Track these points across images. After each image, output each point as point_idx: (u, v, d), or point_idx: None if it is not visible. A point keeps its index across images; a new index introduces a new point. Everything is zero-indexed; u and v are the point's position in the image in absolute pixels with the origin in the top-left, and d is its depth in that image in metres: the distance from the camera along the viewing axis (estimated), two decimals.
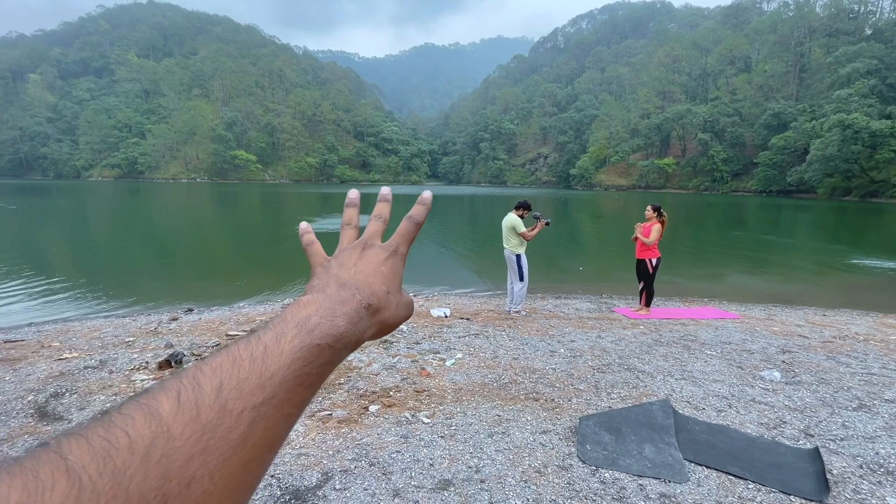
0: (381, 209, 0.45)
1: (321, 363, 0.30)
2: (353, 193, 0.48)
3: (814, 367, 4.43)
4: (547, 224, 6.34)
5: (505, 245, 6.33)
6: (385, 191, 0.46)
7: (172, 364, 4.14)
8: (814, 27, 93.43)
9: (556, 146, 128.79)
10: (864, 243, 18.54)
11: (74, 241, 15.62)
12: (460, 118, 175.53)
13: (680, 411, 3.37)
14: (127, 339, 5.10)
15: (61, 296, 7.83)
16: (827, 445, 2.97)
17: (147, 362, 4.28)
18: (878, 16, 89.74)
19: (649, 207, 6.43)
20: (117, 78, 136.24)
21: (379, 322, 0.37)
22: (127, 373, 4.04)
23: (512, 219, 6.22)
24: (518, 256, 6.21)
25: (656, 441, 2.88)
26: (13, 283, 8.54)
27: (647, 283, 6.46)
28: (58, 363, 4.29)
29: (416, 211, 0.43)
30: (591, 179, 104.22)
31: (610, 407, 3.45)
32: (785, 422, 3.29)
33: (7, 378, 3.92)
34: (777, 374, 4.14)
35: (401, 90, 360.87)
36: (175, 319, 6.11)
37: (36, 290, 8.16)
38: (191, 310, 6.79)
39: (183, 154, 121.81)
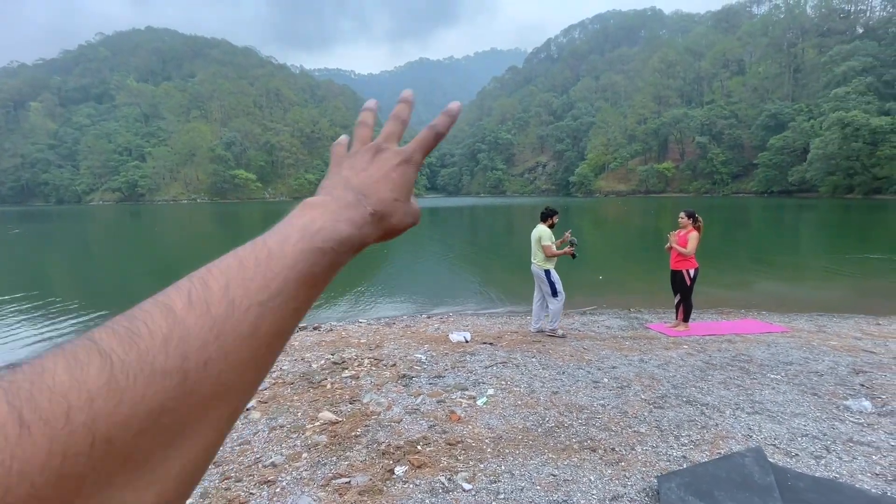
0: (401, 110, 0.43)
1: (325, 265, 0.31)
2: (372, 102, 0.47)
3: None
4: (573, 256, 5.75)
5: (532, 259, 5.77)
6: (407, 93, 0.45)
7: None
8: (806, 28, 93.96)
9: (553, 154, 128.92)
10: (877, 242, 17.93)
11: (73, 266, 15.10)
12: (457, 130, 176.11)
13: (769, 458, 2.78)
14: None
15: (60, 325, 7.26)
16: None
17: None
18: (868, 14, 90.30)
19: (683, 214, 5.90)
20: (117, 103, 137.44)
21: (384, 227, 0.37)
22: None
23: (540, 231, 5.67)
24: (547, 272, 5.63)
25: None
26: (14, 314, 7.99)
27: (684, 297, 5.89)
28: None
29: (440, 120, 0.42)
30: (590, 186, 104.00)
31: (684, 457, 2.86)
32: None
33: None
34: (867, 404, 3.55)
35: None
36: None
37: (37, 317, 7.60)
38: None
39: (183, 175, 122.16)
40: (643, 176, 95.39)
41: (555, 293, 5.62)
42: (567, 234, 5.82)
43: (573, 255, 5.75)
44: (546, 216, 5.78)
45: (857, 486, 2.54)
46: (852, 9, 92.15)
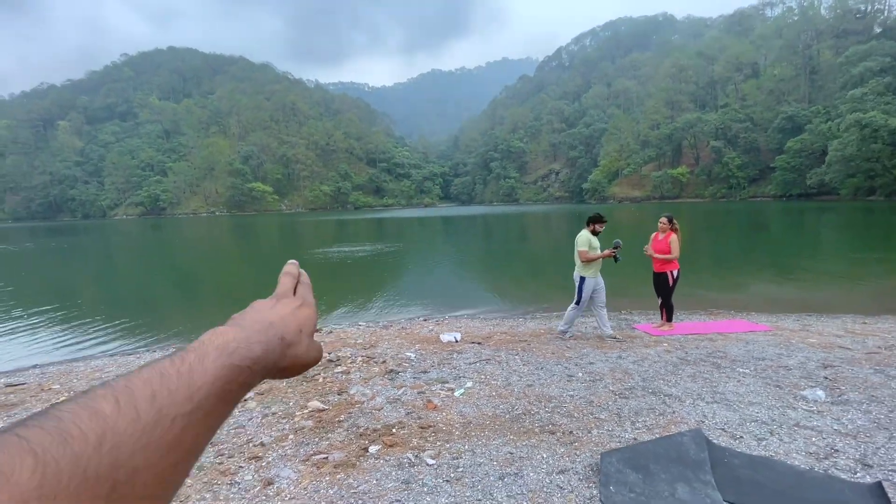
0: (290, 269, 0.49)
1: (240, 382, 0.33)
2: (292, 265, 0.52)
3: (861, 383, 4.00)
4: (615, 259, 5.67)
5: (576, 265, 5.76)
6: (292, 262, 0.51)
7: None
8: (821, 29, 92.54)
9: (566, 161, 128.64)
10: (891, 243, 17.64)
11: (94, 277, 15.89)
12: (470, 140, 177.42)
13: (715, 441, 3.01)
14: None
15: (72, 335, 7.80)
16: (890, 478, 2.58)
17: None
18: (886, 14, 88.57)
19: (664, 218, 6.12)
20: (140, 120, 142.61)
21: (291, 356, 0.40)
22: None
23: (578, 236, 5.65)
24: (582, 279, 5.63)
25: (690, 479, 2.54)
26: (26, 321, 8.58)
27: (666, 297, 6.10)
28: None
29: (287, 269, 0.49)
30: (604, 192, 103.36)
31: (635, 439, 3.11)
32: (837, 450, 2.90)
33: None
34: (821, 393, 3.73)
35: (410, 116, 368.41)
36: None
37: (48, 327, 8.16)
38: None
39: (202, 189, 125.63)
40: (657, 181, 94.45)
41: (578, 301, 5.67)
42: (614, 243, 5.75)
43: (615, 258, 5.66)
44: (589, 221, 5.72)
45: (788, 462, 2.76)
46: (868, 8, 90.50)
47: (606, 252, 5.56)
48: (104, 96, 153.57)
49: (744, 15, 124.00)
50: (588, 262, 5.55)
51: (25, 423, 0.23)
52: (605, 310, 5.86)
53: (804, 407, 3.55)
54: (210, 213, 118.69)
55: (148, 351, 6.61)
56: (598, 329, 6.13)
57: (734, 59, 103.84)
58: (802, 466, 2.72)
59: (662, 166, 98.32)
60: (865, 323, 6.42)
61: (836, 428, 3.19)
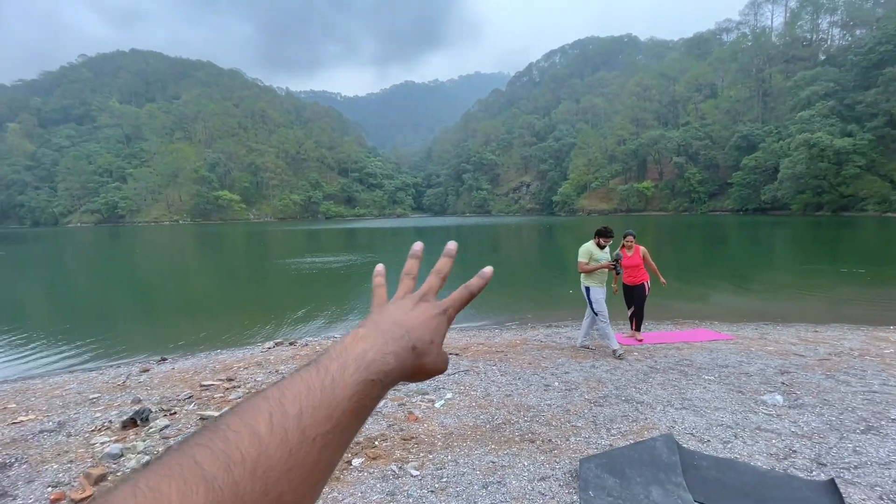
0: (443, 265, 0.48)
1: (372, 396, 0.34)
2: (418, 245, 0.51)
3: (814, 388, 4.29)
4: (616, 271, 5.62)
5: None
6: (451, 246, 0.49)
7: (138, 422, 3.81)
8: (771, 55, 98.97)
9: (537, 174, 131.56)
10: (842, 256, 18.92)
11: (44, 288, 15.02)
12: (443, 151, 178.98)
13: (684, 445, 3.17)
14: (91, 396, 4.74)
15: (25, 350, 7.37)
16: (842, 475, 2.79)
17: (111, 421, 3.94)
18: (829, 42, 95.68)
19: (630, 237, 6.27)
20: (98, 124, 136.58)
21: (419, 366, 0.40)
22: (87, 435, 3.70)
23: (581, 248, 5.61)
24: (587, 289, 5.61)
25: (663, 482, 2.67)
26: None
27: (640, 308, 6.34)
28: (10, 428, 3.92)
29: (475, 282, 0.47)
30: (573, 205, 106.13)
31: (611, 445, 3.24)
32: (795, 451, 3.12)
33: None
34: (779, 398, 3.99)
35: (383, 126, 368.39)
36: (146, 371, 5.75)
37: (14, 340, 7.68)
38: (164, 359, 6.42)
39: (165, 196, 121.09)
40: (624, 195, 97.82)
41: (594, 310, 5.56)
42: (616, 255, 5.76)
43: (615, 270, 5.61)
44: (596, 234, 5.61)
45: (751, 463, 2.95)
46: (814, 37, 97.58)
47: (606, 263, 5.51)
48: (59, 98, 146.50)
49: (702, 39, 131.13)
50: (587, 273, 5.53)
51: (199, 443, 0.25)
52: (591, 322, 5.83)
53: (764, 411, 3.79)
54: (173, 221, 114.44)
55: (111, 367, 6.32)
56: (573, 340, 6.30)
57: (694, 80, 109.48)
58: (764, 467, 2.91)
59: (629, 180, 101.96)
60: (816, 331, 6.87)
61: (793, 430, 3.41)
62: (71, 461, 3.24)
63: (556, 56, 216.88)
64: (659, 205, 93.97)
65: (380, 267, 0.52)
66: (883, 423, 3.51)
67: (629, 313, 6.46)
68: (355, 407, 0.32)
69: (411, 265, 0.50)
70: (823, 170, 60.47)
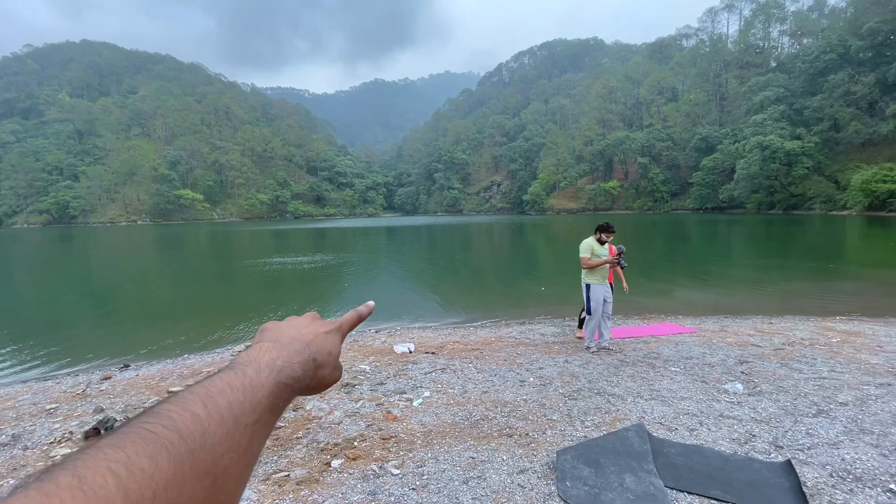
0: (363, 310, 0.54)
1: (284, 398, 0.38)
2: (365, 309, 0.55)
3: (771, 376, 4.56)
4: (620, 265, 5.47)
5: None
6: (369, 305, 0.56)
7: (102, 432, 3.64)
8: (728, 60, 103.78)
9: (508, 174, 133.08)
10: (793, 252, 20.09)
11: None
12: (413, 150, 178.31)
13: (654, 434, 3.32)
14: (48, 407, 4.49)
15: None
16: (797, 456, 2.99)
17: (71, 432, 3.75)
18: (780, 50, 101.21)
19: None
20: (47, 119, 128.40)
21: (319, 377, 0.44)
22: (45, 447, 3.51)
23: (582, 243, 5.56)
24: (587, 286, 5.54)
25: (636, 469, 2.78)
26: None
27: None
28: None
29: (363, 309, 0.53)
30: (543, 204, 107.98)
31: (585, 436, 3.34)
32: (754, 435, 3.31)
33: None
34: (740, 387, 4.22)
35: (352, 125, 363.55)
36: (107, 378, 5.50)
37: None
38: (126, 366, 6.15)
39: (122, 196, 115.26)
40: (591, 194, 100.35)
41: (588, 310, 5.55)
42: (619, 248, 5.61)
43: (619, 264, 5.47)
44: (596, 229, 5.58)
45: (715, 448, 3.11)
46: (766, 45, 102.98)
47: (609, 258, 5.45)
48: (2, 90, 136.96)
49: (664, 44, 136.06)
50: (590, 268, 5.47)
51: (148, 420, 0.27)
52: (609, 321, 5.72)
53: (726, 399, 4.00)
54: (131, 221, 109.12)
55: (69, 375, 6.00)
56: (546, 336, 6.42)
57: (656, 83, 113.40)
58: (727, 451, 3.08)
59: (596, 180, 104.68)
60: (772, 323, 7.29)
61: (752, 416, 3.62)
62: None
63: (525, 57, 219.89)
64: (624, 204, 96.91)
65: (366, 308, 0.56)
66: (832, 406, 3.77)
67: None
68: (271, 406, 0.35)
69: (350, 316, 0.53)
70: (775, 171, 63.96)
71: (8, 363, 6.73)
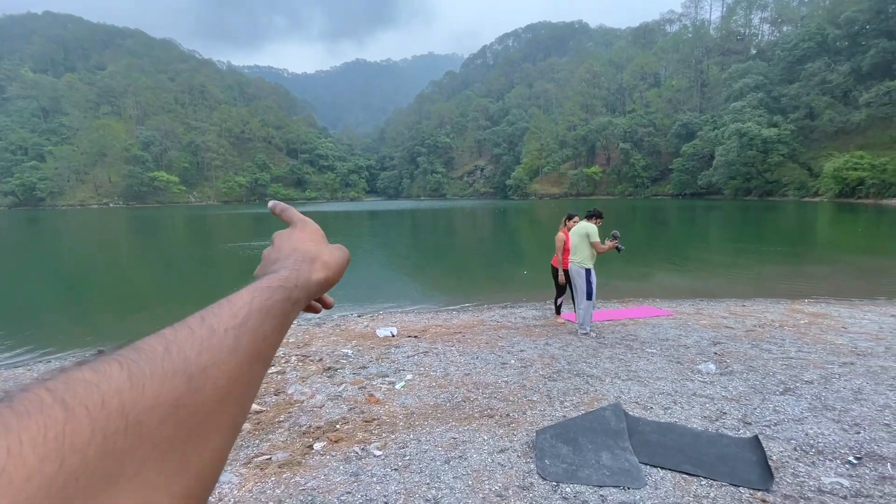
0: (274, 204, 0.57)
1: (279, 299, 0.36)
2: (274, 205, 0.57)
3: (742, 356, 4.73)
4: (618, 249, 5.56)
5: (573, 258, 5.63)
6: (273, 201, 0.58)
7: None
8: (709, 47, 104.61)
9: (491, 158, 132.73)
10: (766, 236, 20.71)
11: None
12: (396, 133, 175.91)
13: (630, 413, 3.42)
14: None
15: None
16: (764, 432, 3.13)
17: None
18: (760, 37, 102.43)
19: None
20: (8, 95, 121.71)
21: (323, 265, 0.44)
22: None
23: (588, 227, 5.54)
24: (588, 271, 5.54)
25: (612, 447, 2.87)
26: None
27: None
28: None
29: (283, 207, 0.56)
30: (526, 189, 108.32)
31: (564, 416, 3.42)
32: (725, 412, 3.44)
33: None
34: (712, 367, 4.37)
35: (334, 106, 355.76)
36: None
37: None
38: (101, 352, 5.99)
39: (92, 177, 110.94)
40: (574, 179, 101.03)
41: (590, 295, 5.55)
42: (613, 234, 5.61)
43: (618, 249, 5.56)
44: (592, 215, 5.71)
45: (687, 426, 3.23)
46: (747, 32, 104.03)
47: (611, 244, 5.51)
48: None
49: (648, 28, 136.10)
50: (601, 253, 5.55)
51: (120, 353, 0.26)
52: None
53: (699, 379, 4.14)
54: (102, 204, 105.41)
55: (41, 362, 5.83)
56: (527, 320, 6.50)
57: (639, 68, 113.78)
58: (699, 428, 3.20)
59: (578, 165, 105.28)
60: (744, 305, 7.53)
61: (723, 395, 3.76)
62: None
63: (510, 39, 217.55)
64: (606, 189, 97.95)
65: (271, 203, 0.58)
66: (798, 384, 3.94)
67: (562, 297, 6.52)
68: (260, 307, 0.34)
69: (291, 212, 0.55)
70: (752, 157, 65.38)
71: None
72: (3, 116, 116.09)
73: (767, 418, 3.33)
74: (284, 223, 0.53)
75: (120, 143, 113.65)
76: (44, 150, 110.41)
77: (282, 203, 0.56)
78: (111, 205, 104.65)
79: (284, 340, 6.01)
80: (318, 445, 3.04)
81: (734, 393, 3.79)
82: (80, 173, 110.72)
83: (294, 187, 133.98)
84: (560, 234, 6.18)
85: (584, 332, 5.72)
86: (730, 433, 3.13)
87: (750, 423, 3.26)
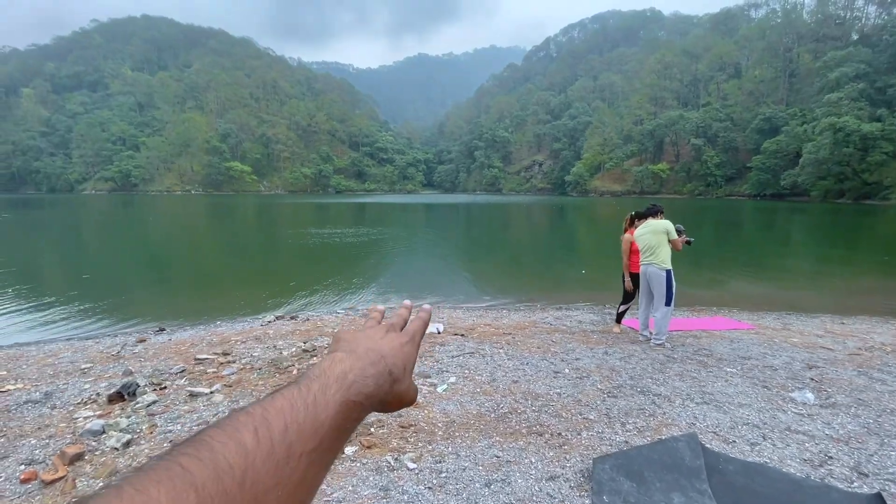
0: (401, 313, 0.52)
1: (353, 418, 0.35)
2: (379, 308, 0.54)
3: (847, 386, 3.97)
4: (688, 243, 5.19)
5: (651, 259, 5.06)
6: (427, 309, 0.55)
7: (125, 396, 3.63)
8: (802, 33, 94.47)
9: (550, 153, 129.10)
10: (864, 245, 18.22)
11: (55, 254, 15.05)
12: (455, 127, 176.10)
13: (707, 445, 2.90)
14: (83, 366, 4.59)
15: (27, 315, 7.28)
16: (887, 488, 2.50)
17: (98, 394, 3.77)
18: (863, 21, 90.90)
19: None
20: (111, 91, 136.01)
21: (395, 393, 0.41)
22: (71, 408, 3.53)
23: (664, 223, 5.03)
24: (669, 273, 4.99)
25: (686, 489, 2.40)
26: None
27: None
28: None
29: (424, 314, 0.52)
30: (586, 186, 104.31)
31: (626, 442, 2.97)
32: (831, 456, 2.83)
33: None
34: (810, 396, 3.68)
35: (395, 100, 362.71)
36: (143, 341, 5.60)
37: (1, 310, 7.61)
38: (162, 329, 6.28)
39: (177, 166, 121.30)
40: (638, 176, 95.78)
41: (670, 301, 5.04)
42: (677, 228, 5.25)
43: (688, 242, 5.22)
44: (656, 211, 5.25)
45: (783, 469, 2.66)
46: (848, 15, 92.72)
47: (683, 238, 5.12)
48: (72, 64, 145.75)
49: (729, 14, 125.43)
50: (678, 250, 5.06)
51: (184, 452, 0.25)
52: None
53: (794, 409, 3.49)
54: (185, 191, 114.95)
55: (109, 336, 6.19)
56: (584, 324, 6.00)
57: (718, 58, 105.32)
58: (798, 474, 2.62)
59: (643, 161, 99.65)
60: (844, 323, 6.50)
61: (827, 433, 3.12)
62: (50, 436, 3.07)
63: (575, 30, 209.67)
64: (673, 187, 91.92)
65: (380, 307, 0.55)
66: None
67: (628, 305, 5.87)
68: (338, 427, 0.32)
69: (374, 313, 0.53)
70: (848, 155, 58.33)
71: (61, 320, 7.06)
72: (107, 111, 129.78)
73: (890, 470, 2.68)
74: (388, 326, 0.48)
75: (202, 135, 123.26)
76: (138, 141, 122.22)
77: (407, 310, 0.53)
78: (192, 192, 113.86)
79: (331, 330, 5.97)
80: (349, 450, 2.83)
81: (841, 432, 3.13)
82: (167, 162, 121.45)
83: (354, 179, 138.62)
84: (626, 235, 5.61)
85: (660, 342, 5.12)
86: (839, 485, 2.54)
87: (866, 475, 2.64)
